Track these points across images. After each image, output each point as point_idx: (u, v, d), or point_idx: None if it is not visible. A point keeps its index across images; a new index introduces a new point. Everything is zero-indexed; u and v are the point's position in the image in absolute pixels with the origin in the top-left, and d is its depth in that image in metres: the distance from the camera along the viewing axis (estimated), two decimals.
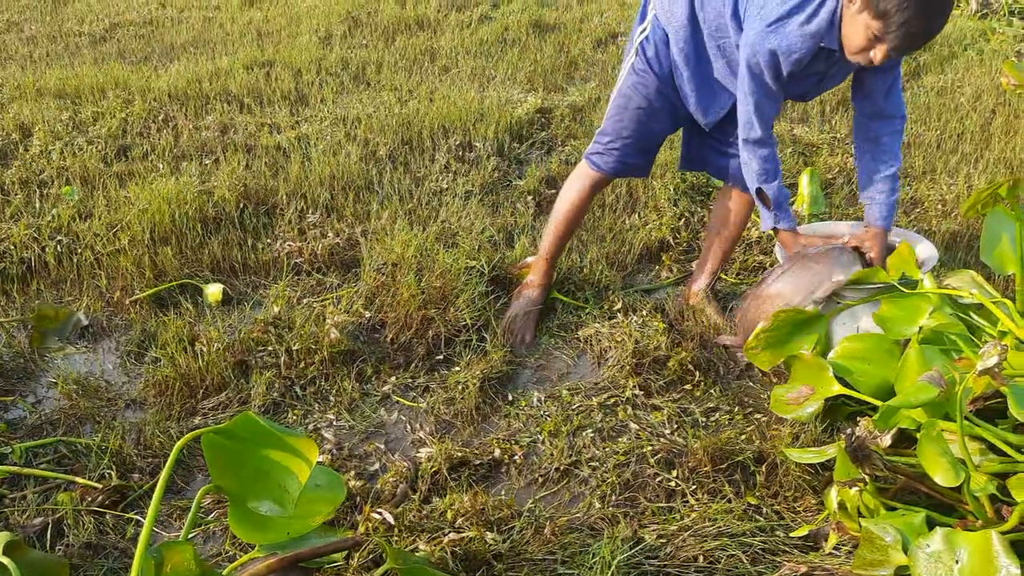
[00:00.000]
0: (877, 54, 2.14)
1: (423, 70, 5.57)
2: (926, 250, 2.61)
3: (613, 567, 1.71)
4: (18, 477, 2.18)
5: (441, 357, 2.71)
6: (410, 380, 2.61)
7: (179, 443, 1.42)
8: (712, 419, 2.43)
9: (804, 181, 3.51)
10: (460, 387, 2.53)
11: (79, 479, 2.12)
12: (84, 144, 4.33)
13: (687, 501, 2.10)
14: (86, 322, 2.89)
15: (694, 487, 2.14)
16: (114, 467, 2.19)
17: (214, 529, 2.05)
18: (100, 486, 2.09)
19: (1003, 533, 1.67)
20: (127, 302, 2.99)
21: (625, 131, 2.67)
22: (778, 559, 1.91)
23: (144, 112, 4.80)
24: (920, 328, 2.19)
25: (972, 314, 2.31)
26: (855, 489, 1.88)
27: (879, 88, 2.45)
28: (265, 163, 4.00)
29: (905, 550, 1.74)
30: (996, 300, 2.25)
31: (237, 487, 1.47)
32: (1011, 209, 2.39)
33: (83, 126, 4.63)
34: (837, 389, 2.22)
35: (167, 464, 1.39)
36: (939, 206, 3.62)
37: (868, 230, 2.56)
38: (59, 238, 3.30)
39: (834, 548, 1.91)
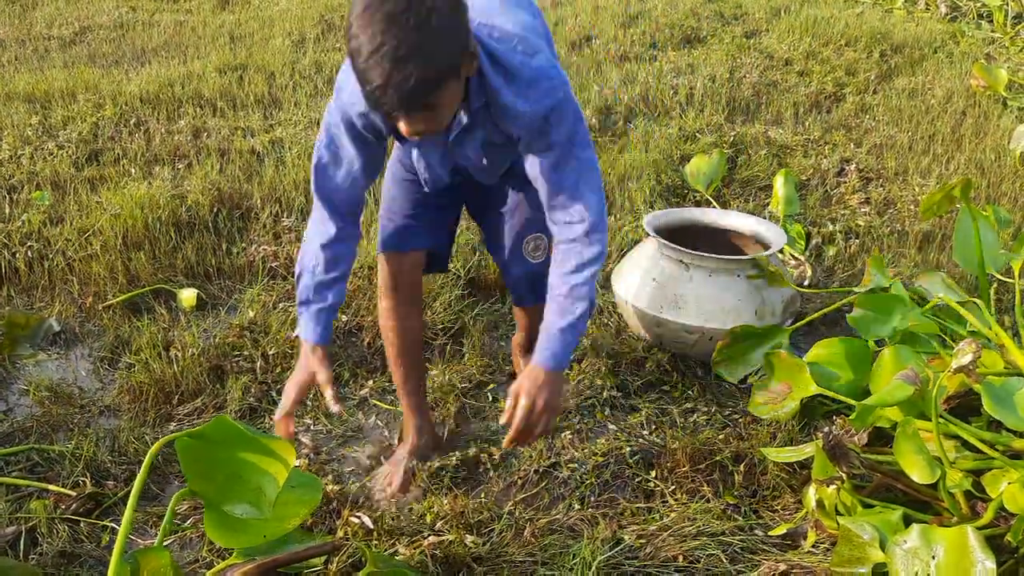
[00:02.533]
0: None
1: None
2: (775, 233, 2.70)
3: (594, 568, 1.71)
4: None
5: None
6: (387, 383, 2.60)
7: (153, 448, 1.40)
8: (690, 419, 2.44)
9: (779, 182, 3.54)
10: (438, 389, 2.51)
11: (52, 487, 2.09)
12: (55, 149, 4.27)
13: (666, 501, 2.11)
14: (58, 328, 2.85)
15: (673, 487, 2.15)
16: (88, 474, 2.16)
17: (190, 536, 2.02)
18: (74, 493, 2.06)
19: (978, 528, 1.69)
20: (100, 308, 2.95)
21: None
22: (757, 558, 1.92)
23: (115, 116, 4.75)
24: (894, 329, 2.21)
25: (943, 315, 2.33)
26: (832, 487, 1.89)
27: (543, 194, 1.79)
28: (239, 167, 3.97)
29: (882, 547, 1.75)
30: (964, 301, 2.28)
31: (212, 491, 1.46)
32: (967, 209, 2.43)
33: (53, 130, 4.57)
34: (814, 389, 2.23)
35: (141, 470, 1.37)
36: (912, 207, 3.66)
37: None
38: (30, 243, 3.25)
39: (812, 546, 1.92)
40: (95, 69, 5.75)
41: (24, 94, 5.11)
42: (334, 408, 1.82)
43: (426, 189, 2.06)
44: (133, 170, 4.01)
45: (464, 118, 1.72)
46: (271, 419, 2.43)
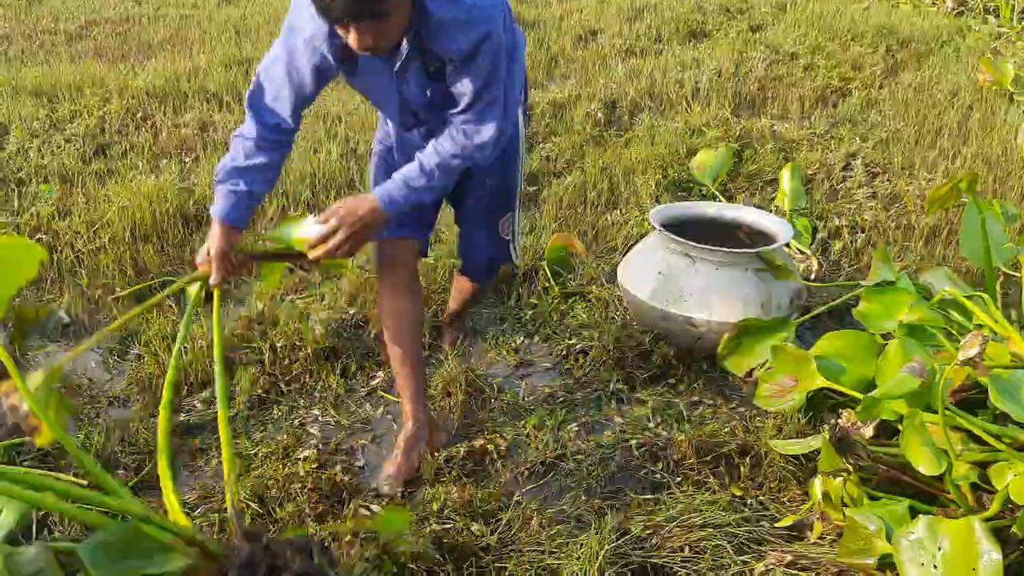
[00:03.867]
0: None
1: None
2: (783, 228, 2.71)
3: (601, 557, 1.72)
4: None
5: (427, 353, 2.71)
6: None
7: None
8: (696, 412, 2.44)
9: (785, 176, 3.54)
10: (444, 382, 2.52)
11: (63, 476, 2.10)
12: (62, 142, 4.29)
13: (672, 493, 2.12)
14: (67, 320, 2.86)
15: (679, 479, 2.16)
16: (98, 464, 2.17)
17: None
18: (85, 483, 2.07)
19: (985, 520, 1.69)
20: (108, 300, 2.97)
21: None
22: (763, 548, 1.92)
23: (122, 110, 4.76)
24: (900, 323, 2.22)
25: (949, 309, 2.34)
26: (839, 479, 1.90)
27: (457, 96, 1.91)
28: None
29: (889, 538, 1.76)
30: (971, 295, 2.28)
31: None
32: (973, 203, 2.43)
33: (60, 124, 4.58)
34: (820, 382, 2.24)
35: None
36: (918, 201, 3.66)
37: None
38: (39, 236, 3.27)
39: (819, 537, 1.93)
40: (101, 63, 5.76)
41: (31, 88, 5.12)
42: (213, 277, 1.95)
43: (395, 157, 2.17)
44: (140, 163, 4.02)
45: (405, 45, 1.81)
46: (279, 410, 2.45)
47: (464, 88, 1.85)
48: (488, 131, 1.90)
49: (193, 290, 2.90)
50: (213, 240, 1.94)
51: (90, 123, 4.56)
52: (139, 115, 4.74)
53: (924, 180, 3.85)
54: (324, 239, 1.87)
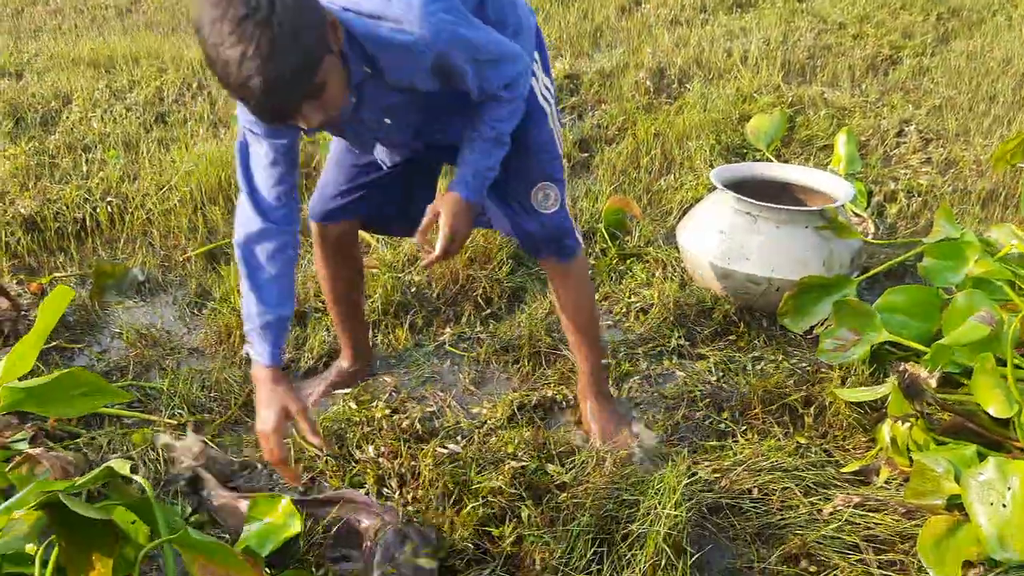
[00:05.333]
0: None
1: None
2: (842, 188, 2.73)
3: (678, 493, 1.78)
4: (92, 419, 2.26)
5: (489, 311, 2.78)
6: (462, 331, 2.68)
7: None
8: (758, 367, 2.49)
9: (841, 141, 3.55)
10: (510, 336, 2.59)
11: (153, 417, 2.20)
12: (123, 111, 4.40)
13: (737, 440, 2.17)
14: (142, 278, 2.97)
15: (744, 428, 2.22)
16: (185, 407, 2.27)
17: None
18: (175, 422, 2.17)
19: None
20: (181, 258, 3.07)
21: None
22: (830, 492, 1.97)
23: (178, 80, 4.86)
24: (966, 276, 2.24)
25: (1015, 264, 2.36)
26: (907, 425, 1.95)
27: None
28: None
29: (957, 480, 1.81)
30: None
31: None
32: None
33: (120, 94, 4.70)
34: (884, 335, 2.28)
35: None
36: (974, 166, 3.65)
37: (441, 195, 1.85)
38: (109, 199, 3.38)
39: (885, 482, 1.98)
40: (154, 36, 5.87)
41: (88, 59, 5.25)
42: (314, 441, 1.70)
43: (386, 166, 2.06)
44: (200, 130, 4.12)
45: (352, 98, 1.67)
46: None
47: (459, 79, 1.70)
48: (508, 70, 1.74)
49: None
50: (284, 398, 1.72)
51: (148, 93, 4.67)
52: (195, 85, 4.84)
53: (979, 146, 3.83)
54: (445, 251, 1.77)
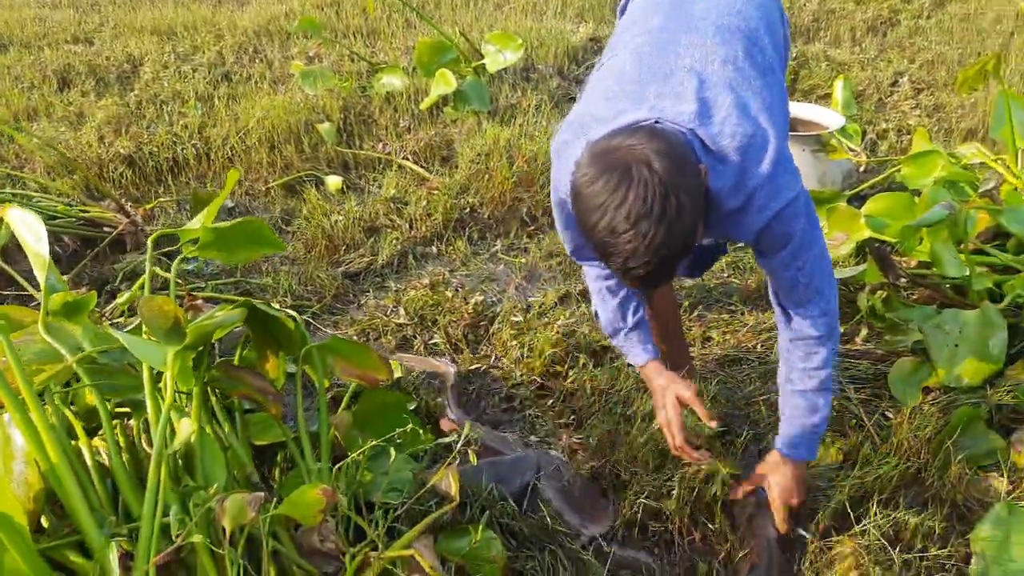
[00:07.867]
0: None
1: (478, 7, 6.05)
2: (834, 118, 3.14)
3: (697, 344, 2.25)
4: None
5: (533, 228, 3.25)
6: (511, 243, 3.15)
7: None
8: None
9: (838, 87, 3.98)
10: (552, 247, 3.06)
11: (257, 301, 2.68)
12: (190, 71, 4.87)
13: (743, 314, 2.64)
14: (232, 204, 3.45)
15: (750, 307, 2.68)
16: (288, 296, 2.76)
17: None
18: (278, 305, 2.65)
19: (998, 310, 2.19)
20: (263, 189, 3.55)
21: None
22: None
23: (235, 45, 5.33)
24: (935, 178, 2.70)
25: (976, 172, 2.81)
26: (881, 292, 2.41)
27: (774, 285, 1.69)
28: (355, 83, 4.52)
29: (920, 330, 2.27)
30: (996, 158, 2.74)
31: None
32: (1003, 94, 2.87)
33: (185, 56, 5.17)
34: (867, 233, 2.73)
35: None
36: (959, 111, 4.09)
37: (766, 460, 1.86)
38: (194, 142, 3.85)
39: (864, 340, 2.44)
40: (206, 6, 6.34)
41: (151, 27, 5.72)
42: (713, 424, 1.79)
43: None
44: (264, 86, 4.59)
45: None
46: (419, 266, 3.00)
47: (772, 266, 1.60)
48: (830, 295, 1.63)
49: (332, 182, 3.46)
50: (673, 385, 1.80)
51: (210, 56, 5.14)
52: (251, 50, 5.31)
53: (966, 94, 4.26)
54: (793, 515, 1.84)
